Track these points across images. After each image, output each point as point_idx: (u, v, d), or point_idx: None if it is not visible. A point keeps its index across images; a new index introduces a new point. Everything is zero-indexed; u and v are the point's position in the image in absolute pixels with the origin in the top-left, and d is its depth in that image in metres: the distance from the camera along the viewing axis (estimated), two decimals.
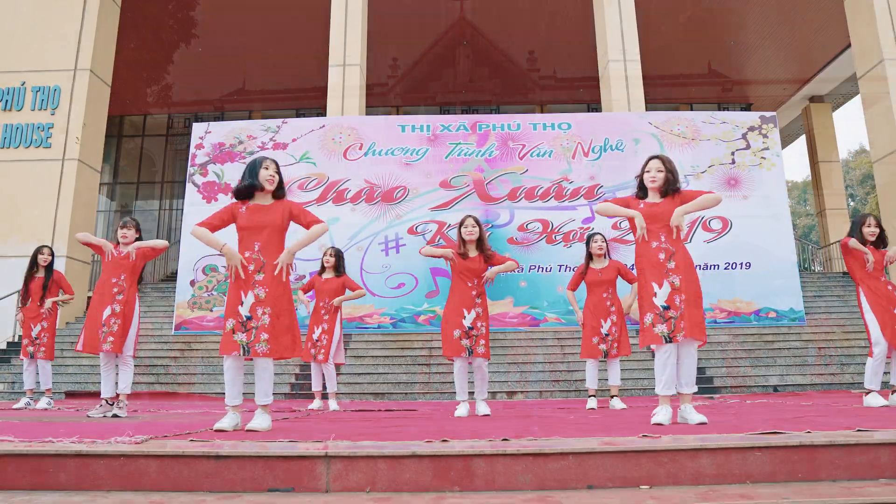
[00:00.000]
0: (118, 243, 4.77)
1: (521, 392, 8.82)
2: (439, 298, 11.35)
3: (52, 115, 12.18)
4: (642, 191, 3.78)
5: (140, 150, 22.47)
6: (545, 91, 19.61)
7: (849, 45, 18.56)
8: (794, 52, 19.18)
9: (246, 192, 3.34)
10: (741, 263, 11.28)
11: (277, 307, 3.13)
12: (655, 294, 3.32)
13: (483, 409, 4.54)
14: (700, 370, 9.52)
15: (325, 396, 6.19)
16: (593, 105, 18.19)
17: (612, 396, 5.58)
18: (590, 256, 5.76)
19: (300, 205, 3.53)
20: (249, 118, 18.20)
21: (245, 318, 3.09)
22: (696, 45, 17.90)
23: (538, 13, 15.69)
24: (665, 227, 3.45)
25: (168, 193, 22.03)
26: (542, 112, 19.18)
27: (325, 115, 12.99)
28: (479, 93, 18.96)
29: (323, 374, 5.99)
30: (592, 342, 5.53)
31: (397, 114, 18.41)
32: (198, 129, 12.06)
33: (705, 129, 11.89)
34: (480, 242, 4.77)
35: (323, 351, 5.71)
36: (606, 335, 5.50)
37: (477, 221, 4.79)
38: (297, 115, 18.21)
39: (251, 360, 3.11)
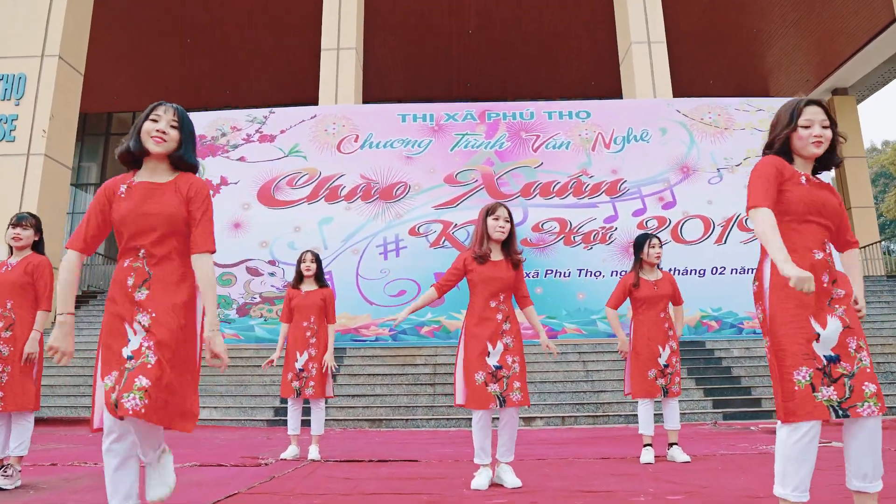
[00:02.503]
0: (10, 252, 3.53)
1: (541, 418, 7.62)
2: (445, 308, 10.15)
3: (17, 105, 11.04)
4: None
5: None
6: (556, 82, 18.43)
7: (880, 32, 17.45)
8: (818, 40, 17.94)
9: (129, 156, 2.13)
10: None
11: None
12: None
13: (510, 478, 3.21)
14: (745, 390, 8.32)
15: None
16: (611, 97, 16.98)
17: (671, 445, 4.13)
18: (640, 264, 4.36)
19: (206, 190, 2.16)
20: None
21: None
22: (715, 32, 16.68)
23: None
24: None
25: None
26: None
27: (316, 104, 11.83)
28: (486, 85, 17.78)
29: (302, 412, 4.76)
30: (648, 376, 4.09)
31: None
32: None
33: (739, 118, 10.67)
34: (509, 243, 3.49)
35: (312, 384, 4.46)
36: (665, 367, 4.10)
37: (511, 215, 3.51)
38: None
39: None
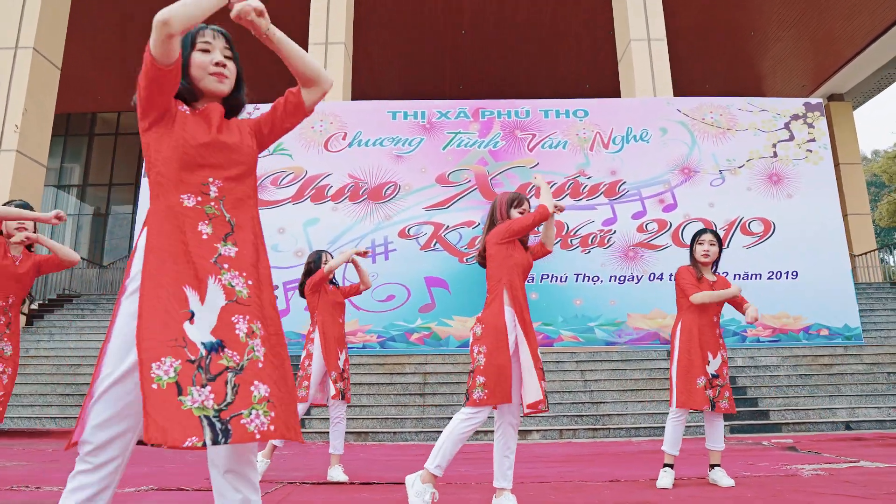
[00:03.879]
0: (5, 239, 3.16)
1: (538, 431, 7.16)
2: (435, 313, 9.71)
3: None
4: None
5: (114, 150, 20.83)
6: (552, 81, 18.07)
7: (876, 38, 17.23)
8: (815, 44, 17.69)
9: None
10: (787, 273, 9.68)
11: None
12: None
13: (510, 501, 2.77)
14: (752, 401, 7.91)
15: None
16: (608, 97, 16.63)
17: (713, 466, 3.55)
18: (695, 263, 3.75)
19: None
20: None
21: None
22: (713, 31, 16.38)
23: None
24: None
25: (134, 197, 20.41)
26: None
27: None
28: (480, 84, 17.40)
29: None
30: (697, 384, 3.53)
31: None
32: None
33: (742, 118, 10.30)
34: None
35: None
36: (715, 377, 3.56)
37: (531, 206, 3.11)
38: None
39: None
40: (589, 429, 7.22)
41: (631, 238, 9.81)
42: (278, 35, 1.57)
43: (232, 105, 1.67)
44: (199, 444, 1.23)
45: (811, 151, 10.15)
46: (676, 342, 3.69)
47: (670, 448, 3.58)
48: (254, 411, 1.30)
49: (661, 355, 9.11)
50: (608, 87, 17.22)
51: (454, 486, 3.61)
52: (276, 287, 9.62)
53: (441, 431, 7.14)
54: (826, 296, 9.57)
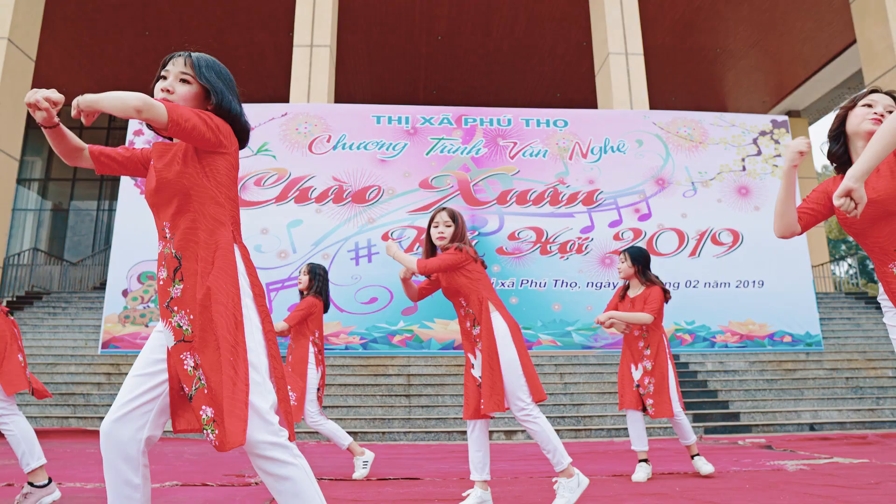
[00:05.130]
0: None
1: (522, 431, 7.38)
2: (417, 316, 9.85)
3: None
4: None
5: None
6: (525, 91, 18.43)
7: (833, 58, 18.12)
8: (777, 63, 18.51)
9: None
10: (754, 282, 10.14)
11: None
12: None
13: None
14: (723, 404, 8.29)
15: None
16: (580, 107, 17.03)
17: (693, 456, 4.00)
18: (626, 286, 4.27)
19: None
20: None
21: None
22: (682, 48, 16.98)
23: (520, 3, 14.45)
24: None
25: (108, 193, 19.98)
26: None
27: (286, 101, 11.40)
28: (455, 91, 17.63)
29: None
30: (631, 388, 4.08)
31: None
32: None
33: (713, 132, 10.76)
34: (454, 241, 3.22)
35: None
36: (638, 386, 4.05)
37: (453, 215, 3.22)
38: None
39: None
40: (571, 429, 7.48)
41: (607, 245, 10.14)
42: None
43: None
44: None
45: (777, 166, 10.67)
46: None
47: (637, 445, 3.97)
48: (205, 430, 1.49)
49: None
50: (579, 96, 17.69)
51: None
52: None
53: (428, 431, 7.29)
54: (789, 304, 10.06)
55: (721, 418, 7.87)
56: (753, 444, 6.15)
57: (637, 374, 4.06)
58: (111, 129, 20.20)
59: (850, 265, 33.47)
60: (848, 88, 19.93)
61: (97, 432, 6.93)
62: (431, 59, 16.61)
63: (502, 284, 9.92)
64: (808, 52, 17.62)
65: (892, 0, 11.64)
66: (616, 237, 10.20)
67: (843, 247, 38.15)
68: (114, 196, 20.22)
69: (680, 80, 18.72)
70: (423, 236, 3.19)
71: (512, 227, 10.15)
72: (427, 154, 10.36)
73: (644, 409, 4.02)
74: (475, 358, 2.93)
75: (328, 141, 10.24)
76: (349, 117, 10.42)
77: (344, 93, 16.12)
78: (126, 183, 9.92)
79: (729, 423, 7.73)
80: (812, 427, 7.72)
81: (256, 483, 3.67)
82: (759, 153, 10.70)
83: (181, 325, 1.57)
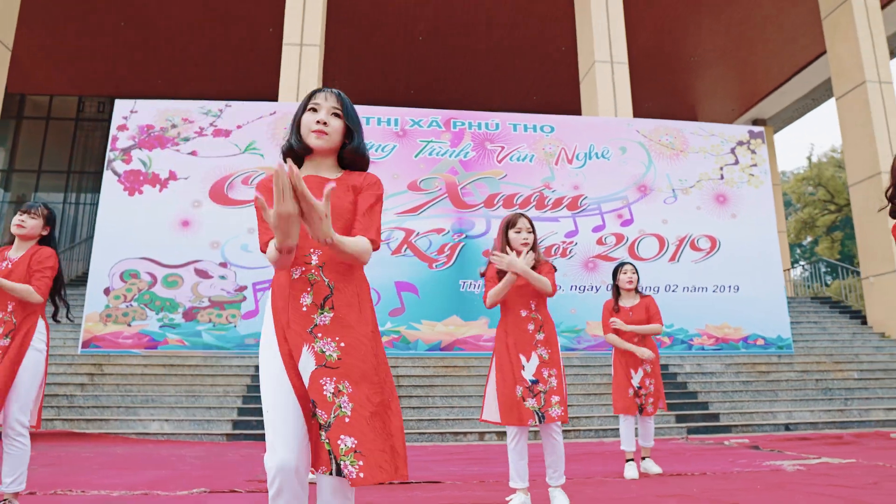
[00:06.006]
0: (10, 244, 3.04)
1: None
2: (405, 317, 9.92)
3: None
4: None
5: (44, 135, 19.78)
6: (508, 95, 18.62)
7: (799, 70, 18.79)
8: (746, 72, 19.12)
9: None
10: (730, 287, 10.49)
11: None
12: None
13: (561, 502, 3.10)
14: (702, 405, 8.58)
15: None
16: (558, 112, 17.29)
17: (643, 458, 4.43)
18: (617, 290, 4.53)
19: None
20: None
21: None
22: (657, 57, 17.38)
23: (502, 7, 14.61)
24: None
25: (75, 185, 19.50)
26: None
27: (272, 100, 11.34)
28: (436, 93, 17.72)
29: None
30: (627, 394, 4.28)
31: None
32: (121, 107, 10.15)
33: (693, 141, 11.09)
34: (533, 251, 3.30)
35: None
36: (639, 388, 4.29)
37: (532, 225, 3.39)
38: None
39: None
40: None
41: (590, 250, 10.36)
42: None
43: (349, 158, 1.80)
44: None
45: (753, 175, 11.05)
46: (613, 360, 4.48)
47: (626, 446, 4.27)
48: (342, 461, 1.48)
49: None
50: (562, 101, 17.94)
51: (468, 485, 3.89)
52: (246, 287, 9.51)
53: (421, 433, 7.39)
54: (762, 308, 10.43)
55: (702, 419, 8.15)
56: (739, 444, 6.42)
57: (637, 379, 4.30)
58: (79, 119, 19.73)
59: (804, 268, 34.82)
60: (812, 100, 20.69)
61: (85, 435, 6.86)
62: (412, 60, 16.66)
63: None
64: (778, 63, 18.23)
65: (861, 18, 12.15)
66: (599, 242, 10.43)
67: (798, 251, 39.45)
68: (81, 189, 19.75)
69: (653, 87, 19.15)
70: (497, 238, 3.33)
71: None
72: (416, 156, 10.43)
73: (641, 411, 4.29)
74: (528, 361, 3.06)
75: None
76: None
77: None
78: (109, 179, 9.74)
79: (710, 423, 8.02)
80: (787, 427, 8.07)
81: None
82: (737, 162, 11.06)
83: (324, 350, 1.59)
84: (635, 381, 4.30)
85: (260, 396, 6.34)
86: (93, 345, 9.23)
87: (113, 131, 10.04)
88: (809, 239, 33.56)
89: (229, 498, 3.47)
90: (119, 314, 9.40)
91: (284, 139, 1.82)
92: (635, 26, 15.12)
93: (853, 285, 15.68)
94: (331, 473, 1.52)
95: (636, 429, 4.43)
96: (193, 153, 9.93)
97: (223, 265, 9.67)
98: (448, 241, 10.17)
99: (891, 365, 10.18)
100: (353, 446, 1.49)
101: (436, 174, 10.40)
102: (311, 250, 1.66)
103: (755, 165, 11.10)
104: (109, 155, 9.87)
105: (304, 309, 1.63)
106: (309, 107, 1.77)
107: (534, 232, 3.35)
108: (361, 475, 1.47)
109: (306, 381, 1.57)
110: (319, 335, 1.61)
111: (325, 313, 1.63)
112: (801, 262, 37.08)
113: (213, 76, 17.22)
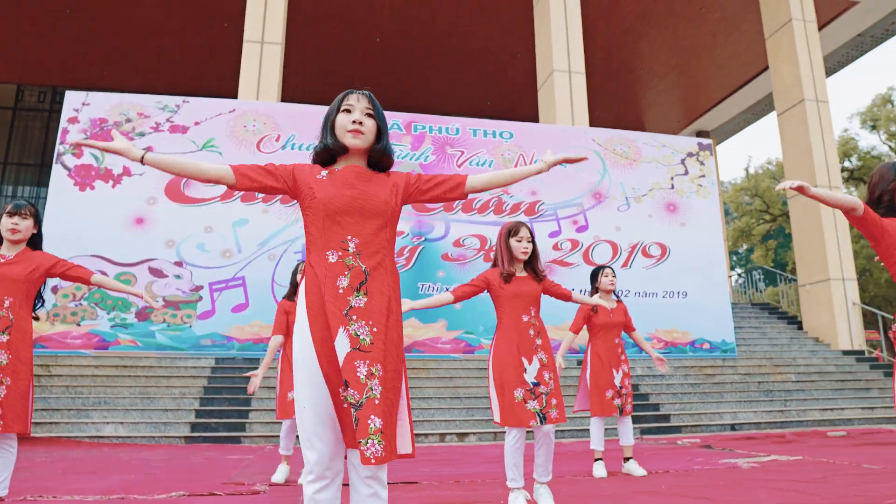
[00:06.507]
0: None
1: (474, 434, 7.65)
2: None
3: None
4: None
5: (11, 126, 18.82)
6: (469, 101, 18.79)
7: (742, 85, 19.65)
8: (692, 86, 19.85)
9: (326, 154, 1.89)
10: (678, 292, 10.93)
11: None
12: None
13: (547, 501, 3.19)
14: (654, 406, 8.90)
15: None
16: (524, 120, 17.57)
17: (626, 459, 4.46)
18: (596, 292, 4.66)
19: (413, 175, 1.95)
20: None
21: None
22: (609, 68, 17.88)
23: (463, 8, 14.78)
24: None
25: (12, 178, 18.63)
26: None
27: (232, 97, 11.16)
28: (405, 97, 17.72)
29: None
30: (605, 396, 4.41)
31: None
32: (72, 98, 9.80)
33: (646, 151, 11.49)
34: (532, 261, 3.47)
35: None
36: (620, 388, 4.45)
37: (532, 234, 3.52)
38: None
39: None
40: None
41: (547, 255, 10.60)
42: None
43: (376, 157, 1.88)
44: None
45: (701, 186, 11.53)
46: (588, 362, 4.58)
47: (597, 445, 4.45)
48: (370, 441, 1.58)
49: (570, 363, 9.95)
50: (517, 107, 18.23)
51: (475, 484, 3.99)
52: (202, 287, 9.34)
53: None
54: (708, 314, 10.91)
55: (654, 420, 8.46)
56: (692, 444, 6.71)
57: (618, 379, 4.47)
58: (17, 109, 18.88)
59: (739, 275, 36.37)
60: (753, 114, 21.65)
61: (35, 438, 6.61)
62: (369, 62, 16.64)
63: (447, 289, 10.16)
64: (722, 77, 19.01)
65: (801, 40, 12.84)
66: (555, 247, 10.70)
67: (734, 258, 41.14)
68: (19, 181, 18.88)
69: (604, 97, 19.67)
70: (497, 245, 3.44)
71: (457, 234, 10.43)
72: None
73: (621, 412, 4.44)
74: (530, 364, 3.18)
75: (277, 140, 10.14)
76: (299, 117, 10.35)
77: (288, 91, 15.88)
78: (59, 173, 9.40)
79: (661, 424, 8.33)
80: (733, 427, 8.47)
81: (264, 491, 3.73)
82: (686, 173, 11.53)
83: (359, 334, 1.66)
84: (617, 381, 4.43)
85: (218, 398, 6.30)
86: (38, 345, 8.88)
87: (63, 123, 9.69)
88: (745, 247, 35.00)
89: (209, 501, 3.46)
90: (67, 313, 9.09)
91: (317, 139, 1.88)
92: (589, 38, 15.54)
93: (786, 291, 16.49)
94: (363, 450, 1.60)
95: (606, 429, 4.60)
96: (149, 149, 9.68)
97: (178, 264, 9.47)
98: (407, 244, 10.24)
99: (825, 368, 10.80)
100: (381, 427, 1.60)
101: None
102: (349, 237, 1.75)
103: (703, 176, 11.60)
104: (59, 148, 9.53)
105: (341, 291, 1.70)
106: (343, 108, 1.84)
107: (533, 241, 3.45)
108: (384, 454, 1.58)
109: (341, 360, 1.65)
110: (354, 317, 1.68)
111: (360, 297, 1.71)
112: (737, 269, 38.78)
113: (164, 70, 16.76)
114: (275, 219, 9.88)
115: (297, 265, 4.43)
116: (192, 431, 7.26)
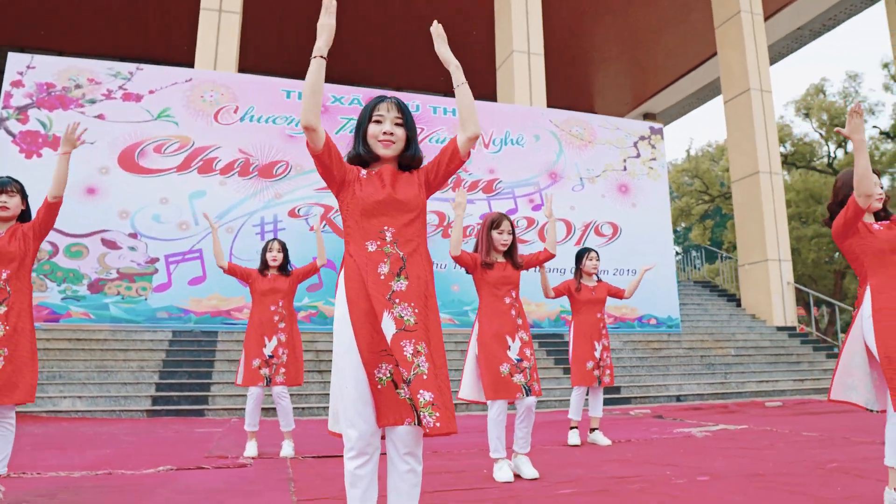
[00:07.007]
0: None
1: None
2: (323, 292, 9.98)
3: None
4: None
5: None
6: (430, 78, 18.68)
7: (689, 70, 20.27)
8: (643, 70, 20.36)
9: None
10: (628, 270, 11.37)
11: None
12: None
13: (528, 470, 3.42)
14: None
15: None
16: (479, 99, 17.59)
17: (593, 430, 4.79)
18: (580, 273, 4.99)
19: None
20: None
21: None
22: (561, 52, 18.11)
23: None
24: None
25: None
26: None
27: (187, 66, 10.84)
28: (365, 73, 17.49)
29: (268, 406, 4.44)
30: (587, 367, 4.73)
31: None
32: (16, 60, 9.35)
33: (601, 133, 11.82)
34: (511, 251, 3.66)
35: (283, 370, 4.22)
36: (599, 360, 4.77)
37: (513, 227, 3.71)
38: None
39: None
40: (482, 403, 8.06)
41: None
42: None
43: (406, 162, 2.01)
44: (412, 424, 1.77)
45: (652, 168, 11.96)
46: (571, 336, 4.91)
47: (575, 415, 4.79)
48: (422, 413, 1.70)
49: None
50: (470, 85, 18.24)
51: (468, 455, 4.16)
52: (158, 259, 9.20)
53: None
54: (656, 291, 11.40)
55: (606, 391, 8.84)
56: (644, 414, 7.10)
57: (598, 351, 4.78)
58: None
59: (677, 253, 37.81)
60: (698, 98, 22.37)
61: None
62: (336, 36, 16.33)
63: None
64: (670, 63, 19.56)
65: (749, 30, 13.35)
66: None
67: (674, 235, 42.41)
68: None
69: (557, 79, 19.94)
70: (479, 234, 3.57)
71: None
72: (336, 133, 10.38)
73: (599, 382, 4.76)
74: (513, 342, 3.36)
75: (235, 112, 9.95)
76: (258, 89, 10.17)
77: (246, 62, 15.50)
78: (2, 139, 8.97)
79: (614, 395, 8.74)
80: (679, 398, 8.96)
81: (250, 464, 3.81)
82: (639, 156, 11.92)
83: (402, 315, 1.79)
84: (597, 353, 4.74)
85: (178, 371, 6.31)
86: None
87: (6, 87, 9.25)
88: (684, 225, 36.26)
89: (197, 474, 3.52)
90: None
91: (349, 147, 1.98)
92: (546, 20, 15.71)
93: (721, 269, 17.32)
94: (414, 424, 1.73)
95: (586, 399, 4.87)
96: (101, 117, 9.36)
97: (133, 236, 9.25)
98: None
99: (761, 343, 11.49)
100: (431, 400, 1.71)
101: None
102: (385, 227, 1.88)
103: (654, 160, 12.02)
104: (2, 113, 9.09)
105: (382, 277, 1.83)
106: (374, 118, 1.95)
107: (514, 234, 3.62)
108: (438, 425, 1.70)
109: (389, 341, 1.76)
110: (397, 300, 1.81)
111: (401, 281, 1.84)
112: (676, 247, 40.25)
113: (115, 35, 16.04)
114: (232, 191, 9.75)
115: (267, 243, 4.50)
116: (154, 405, 7.21)
